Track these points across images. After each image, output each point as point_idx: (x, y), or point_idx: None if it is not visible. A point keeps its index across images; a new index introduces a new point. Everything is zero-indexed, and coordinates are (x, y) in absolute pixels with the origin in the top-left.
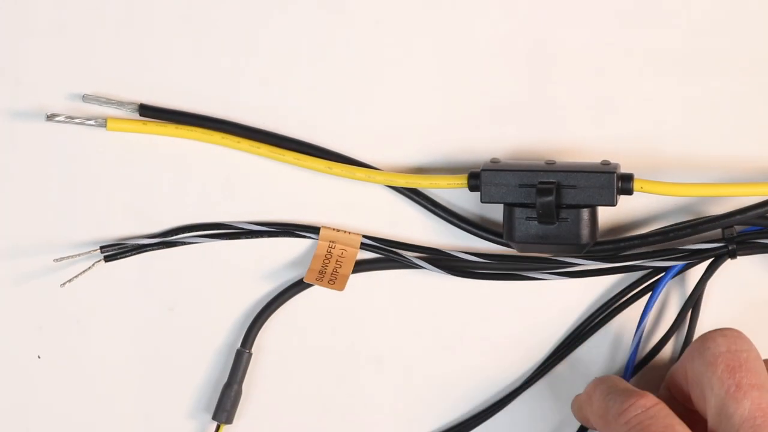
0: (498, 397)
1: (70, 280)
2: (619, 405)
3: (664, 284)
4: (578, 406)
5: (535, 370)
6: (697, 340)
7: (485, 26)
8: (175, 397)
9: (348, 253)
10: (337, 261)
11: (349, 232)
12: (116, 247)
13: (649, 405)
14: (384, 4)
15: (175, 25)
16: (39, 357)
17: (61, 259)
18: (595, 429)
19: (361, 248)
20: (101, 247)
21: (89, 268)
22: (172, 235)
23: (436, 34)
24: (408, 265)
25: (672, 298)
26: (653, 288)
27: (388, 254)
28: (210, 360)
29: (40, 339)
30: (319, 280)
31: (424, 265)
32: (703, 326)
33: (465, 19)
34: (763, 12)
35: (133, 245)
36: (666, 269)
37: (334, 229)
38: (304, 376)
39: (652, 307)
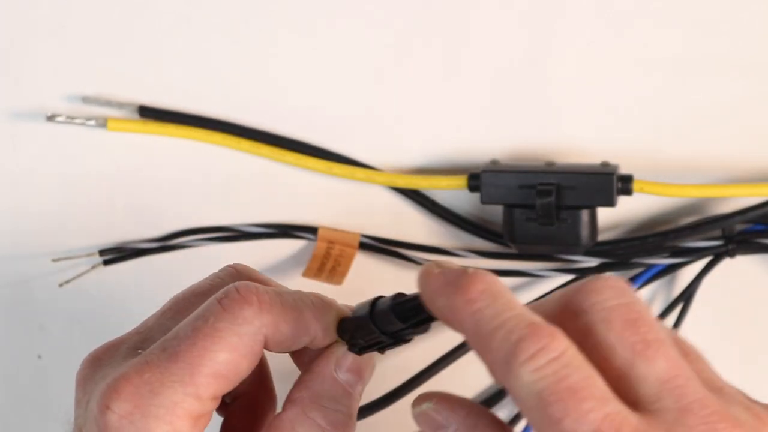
0: (496, 389)
1: (68, 281)
2: (524, 346)
3: (644, 279)
4: (448, 300)
5: None
6: (568, 293)
7: (485, 27)
8: None
9: (346, 253)
10: (335, 260)
11: (348, 232)
12: (115, 251)
13: (562, 348)
14: (384, 5)
15: (175, 26)
16: (39, 357)
17: (60, 259)
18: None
19: (360, 247)
20: (100, 251)
21: (88, 271)
22: (172, 239)
23: (436, 35)
24: (407, 259)
25: (669, 296)
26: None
27: (387, 253)
28: None
29: (40, 339)
30: (317, 276)
31: (422, 262)
32: (694, 324)
33: (465, 20)
34: (762, 13)
35: (132, 249)
36: (666, 266)
37: (332, 229)
38: None
39: None
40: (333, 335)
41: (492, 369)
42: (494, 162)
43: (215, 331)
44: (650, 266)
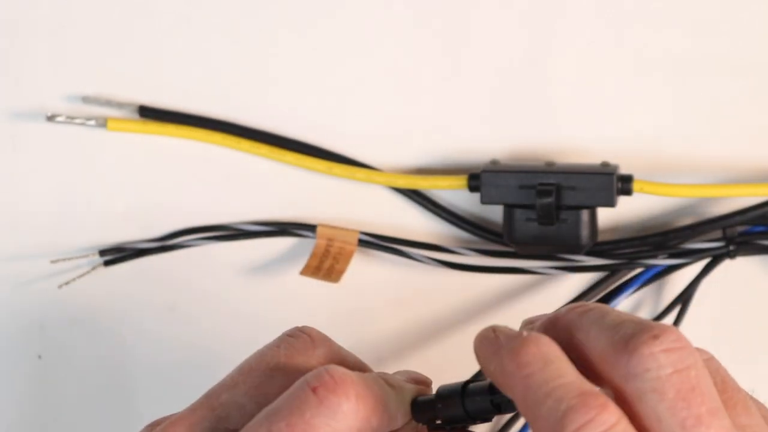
0: None
1: (67, 283)
2: (573, 416)
3: (643, 280)
4: (499, 364)
5: None
6: (619, 345)
7: (485, 27)
8: (175, 396)
9: (345, 250)
10: (334, 258)
11: (347, 229)
12: (115, 251)
13: (613, 421)
14: (384, 5)
15: (175, 26)
16: (39, 357)
17: (58, 260)
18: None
19: (359, 244)
20: (100, 252)
21: (88, 272)
22: (172, 239)
23: (436, 35)
24: (407, 256)
25: (667, 297)
26: (627, 284)
27: (386, 249)
28: (209, 359)
29: (40, 339)
30: (315, 274)
31: (422, 259)
32: (694, 326)
33: (465, 20)
34: (762, 13)
35: (132, 250)
36: (666, 267)
37: (330, 227)
38: None
39: (617, 302)
40: (407, 418)
41: (538, 425)
42: (494, 162)
43: (311, 428)
44: (650, 267)
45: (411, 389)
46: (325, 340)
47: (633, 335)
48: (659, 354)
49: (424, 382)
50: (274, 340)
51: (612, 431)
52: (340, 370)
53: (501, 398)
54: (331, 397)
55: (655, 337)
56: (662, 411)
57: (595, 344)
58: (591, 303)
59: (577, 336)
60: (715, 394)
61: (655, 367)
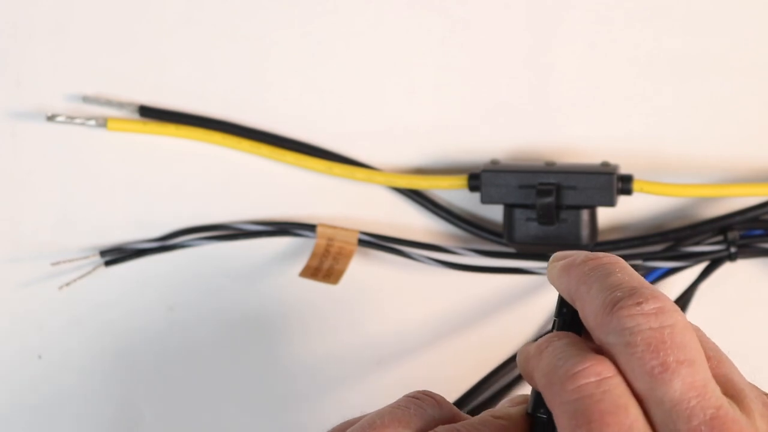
0: (496, 389)
1: (68, 284)
2: (570, 366)
3: None
4: (525, 357)
5: None
6: (604, 310)
7: (485, 27)
8: (175, 394)
9: (345, 250)
10: (334, 258)
11: (347, 229)
12: (116, 251)
13: (606, 375)
14: (384, 6)
15: (175, 26)
16: (39, 357)
17: (59, 263)
18: (537, 388)
19: (359, 244)
20: (101, 252)
21: (89, 272)
22: (172, 239)
23: (436, 35)
24: (407, 256)
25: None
26: None
27: (386, 249)
28: (209, 359)
29: (40, 339)
30: (314, 275)
31: (422, 259)
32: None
33: (464, 20)
34: (762, 13)
35: (133, 250)
36: (667, 270)
37: (330, 226)
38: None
39: None
40: None
41: (537, 379)
42: (494, 162)
43: None
44: (651, 270)
45: (519, 411)
46: (447, 403)
47: (621, 299)
48: (637, 316)
49: (527, 401)
50: (401, 401)
51: (606, 381)
52: (445, 427)
53: None
54: None
55: (638, 303)
56: (633, 362)
57: (592, 301)
58: (605, 256)
59: (581, 288)
60: (693, 350)
61: (631, 326)
